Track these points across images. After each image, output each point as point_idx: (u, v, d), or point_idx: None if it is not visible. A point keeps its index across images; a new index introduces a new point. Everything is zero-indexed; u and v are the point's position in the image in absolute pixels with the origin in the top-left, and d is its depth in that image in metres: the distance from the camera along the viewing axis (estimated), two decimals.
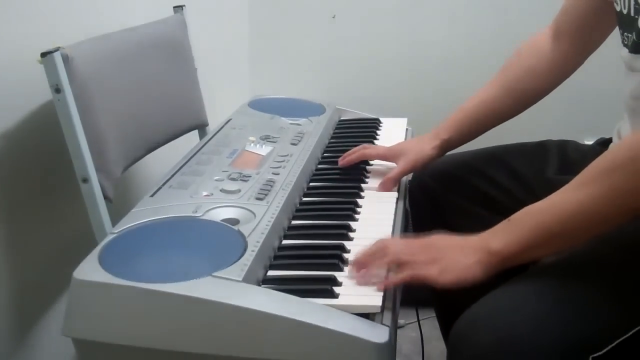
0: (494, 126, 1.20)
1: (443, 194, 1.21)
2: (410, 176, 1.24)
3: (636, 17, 0.92)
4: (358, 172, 1.19)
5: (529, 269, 0.91)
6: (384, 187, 1.15)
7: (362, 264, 0.88)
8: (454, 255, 0.85)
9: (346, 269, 0.89)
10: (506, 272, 0.91)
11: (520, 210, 0.86)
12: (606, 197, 0.80)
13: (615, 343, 0.79)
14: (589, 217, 0.81)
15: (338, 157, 1.25)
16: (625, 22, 0.96)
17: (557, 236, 0.83)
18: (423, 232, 0.92)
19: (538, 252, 0.86)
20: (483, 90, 1.19)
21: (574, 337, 0.80)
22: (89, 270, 0.82)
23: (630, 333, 0.80)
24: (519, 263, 0.85)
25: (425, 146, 1.18)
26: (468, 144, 1.23)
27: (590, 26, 1.10)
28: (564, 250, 0.86)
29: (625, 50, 0.96)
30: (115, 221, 0.98)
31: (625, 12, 0.95)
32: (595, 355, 0.79)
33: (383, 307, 0.81)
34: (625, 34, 0.97)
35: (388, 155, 1.21)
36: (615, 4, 0.98)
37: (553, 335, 0.80)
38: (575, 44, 1.14)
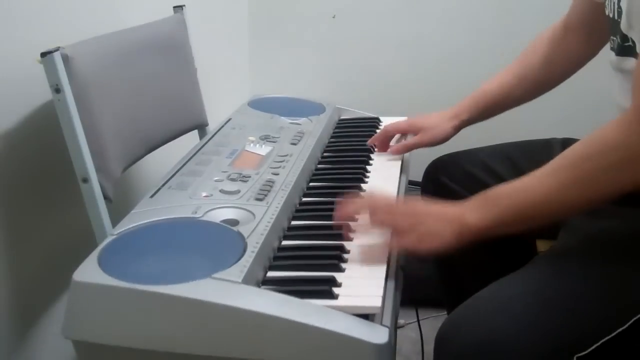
0: (508, 109, 1.28)
1: (453, 188, 1.24)
2: (422, 172, 1.32)
3: (619, 20, 0.93)
4: (358, 172, 1.19)
5: (514, 271, 0.92)
6: (396, 150, 1.27)
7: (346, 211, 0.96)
8: (431, 224, 0.90)
9: (346, 269, 0.89)
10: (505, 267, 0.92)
11: (497, 188, 0.91)
12: (576, 185, 0.85)
13: (599, 343, 0.81)
14: (558, 202, 0.87)
15: (338, 156, 1.28)
16: (612, 26, 0.99)
17: (528, 217, 0.89)
18: None
19: (509, 229, 0.90)
20: (500, 76, 1.26)
21: (558, 337, 0.81)
22: (89, 272, 0.82)
23: (615, 333, 0.81)
24: (490, 237, 0.89)
25: (446, 125, 1.26)
26: (478, 139, 1.30)
27: (597, 22, 1.12)
28: (533, 227, 0.91)
29: (613, 53, 0.99)
30: (115, 221, 0.98)
31: (611, 16, 0.98)
32: (579, 355, 0.80)
33: (383, 308, 0.81)
34: (612, 37, 0.99)
35: (409, 129, 1.30)
36: (605, 8, 1.00)
37: (537, 336, 0.80)
38: (584, 38, 1.19)
